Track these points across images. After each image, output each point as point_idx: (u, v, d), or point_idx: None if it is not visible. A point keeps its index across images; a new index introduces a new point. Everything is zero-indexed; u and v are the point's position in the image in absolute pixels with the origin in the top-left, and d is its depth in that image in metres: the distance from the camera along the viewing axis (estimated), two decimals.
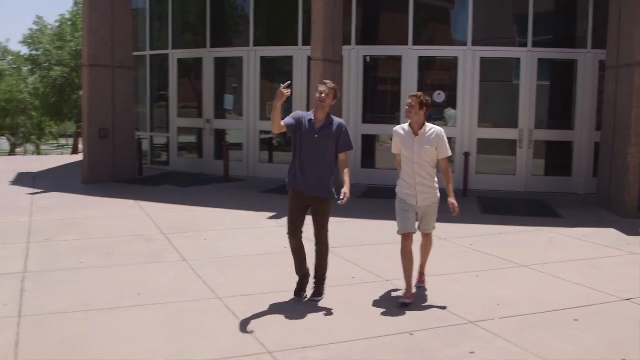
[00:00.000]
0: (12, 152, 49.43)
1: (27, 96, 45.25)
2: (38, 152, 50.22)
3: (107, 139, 14.81)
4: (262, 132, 15.78)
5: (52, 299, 6.51)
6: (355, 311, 6.21)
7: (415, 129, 6.49)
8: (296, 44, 14.97)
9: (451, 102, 14.14)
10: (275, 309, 6.23)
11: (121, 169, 15.11)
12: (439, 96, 14.12)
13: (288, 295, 6.58)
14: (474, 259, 8.36)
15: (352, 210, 9.77)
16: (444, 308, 6.30)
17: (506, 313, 6.16)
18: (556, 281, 7.34)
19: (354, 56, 14.45)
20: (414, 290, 6.64)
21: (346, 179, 6.46)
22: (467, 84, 13.89)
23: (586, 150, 13.71)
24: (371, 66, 14.79)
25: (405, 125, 6.60)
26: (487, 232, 9.99)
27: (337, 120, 6.51)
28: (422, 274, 7.04)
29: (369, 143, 14.81)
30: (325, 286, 6.65)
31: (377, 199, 12.72)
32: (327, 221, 6.52)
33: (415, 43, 14.10)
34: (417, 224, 6.69)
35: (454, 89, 14.07)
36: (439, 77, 14.95)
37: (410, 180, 6.53)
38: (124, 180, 14.88)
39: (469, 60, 13.84)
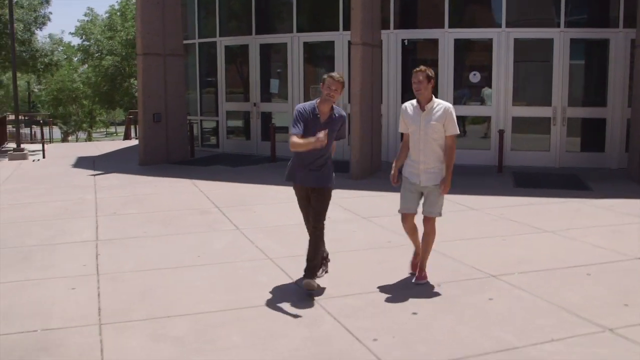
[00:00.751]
0: (64, 140, 51.09)
1: (80, 85, 46.81)
2: (90, 139, 51.80)
3: (160, 123, 15.78)
4: None
5: (123, 260, 7.42)
6: (390, 268, 6.97)
7: (423, 104, 6.24)
8: (337, 29, 15.66)
9: (486, 82, 14.71)
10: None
11: (174, 151, 16.08)
12: (475, 76, 14.74)
13: (331, 255, 7.37)
14: (503, 225, 9.04)
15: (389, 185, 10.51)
16: (469, 265, 7.02)
17: (526, 269, 6.86)
18: (577, 243, 7.99)
19: (393, 40, 15.12)
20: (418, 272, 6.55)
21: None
22: (502, 64, 14.44)
23: (618, 126, 14.18)
24: (409, 49, 15.44)
25: (414, 101, 6.34)
26: (518, 203, 10.62)
27: (339, 111, 6.36)
28: (422, 269, 6.52)
29: None
30: (317, 277, 6.35)
31: None
32: (325, 209, 6.37)
33: (451, 26, 14.69)
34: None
35: (489, 69, 14.63)
36: (474, 58, 15.52)
37: (415, 157, 6.28)
38: (176, 162, 15.84)
39: (503, 41, 14.38)
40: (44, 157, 18.83)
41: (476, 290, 6.19)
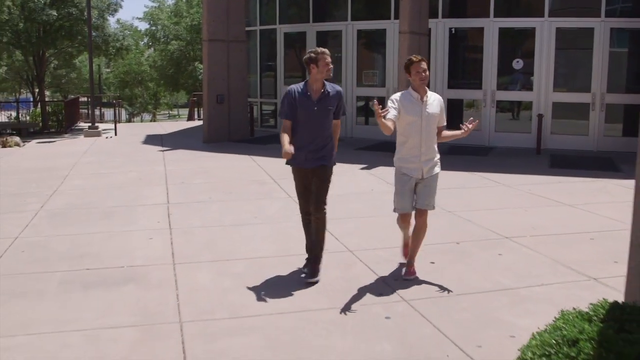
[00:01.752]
0: (129, 121, 53.22)
1: (147, 68, 48.78)
2: (154, 120, 53.82)
3: (223, 104, 17.10)
4: (358, 97, 17.69)
5: (191, 219, 8.71)
6: None
7: (422, 94, 6.07)
8: (389, 18, 16.68)
9: (529, 69, 15.55)
10: (357, 226, 8.23)
11: (235, 130, 17.39)
12: (517, 64, 15.59)
13: (369, 219, 8.52)
14: (527, 199, 10.00)
15: None
16: (487, 229, 8.06)
17: (537, 233, 7.86)
18: (590, 215, 8.93)
19: (441, 28, 16.07)
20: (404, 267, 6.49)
21: (336, 142, 6.48)
22: (544, 52, 15.25)
23: None
24: (455, 37, 16.37)
25: (407, 93, 6.11)
26: (548, 181, 11.53)
27: (333, 86, 6.25)
28: (411, 264, 6.36)
29: (453, 105, 16.40)
30: (321, 266, 6.37)
31: (458, 155, 14.40)
32: (326, 190, 6.35)
33: (496, 15, 15.56)
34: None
35: (532, 56, 15.46)
36: (517, 45, 16.34)
37: (416, 150, 6.08)
38: (237, 140, 17.15)
39: (545, 30, 15.18)
40: (115, 134, 20.44)
41: (488, 248, 7.25)
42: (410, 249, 6.39)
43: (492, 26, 15.58)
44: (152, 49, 49.80)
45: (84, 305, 5.65)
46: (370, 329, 5.05)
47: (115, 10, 27.42)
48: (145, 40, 50.31)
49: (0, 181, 11.85)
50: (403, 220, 6.41)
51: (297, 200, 6.59)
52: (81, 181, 11.69)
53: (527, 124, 15.68)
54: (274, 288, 5.96)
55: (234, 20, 17.27)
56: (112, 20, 26.22)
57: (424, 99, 6.05)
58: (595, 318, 3.59)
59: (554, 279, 6.19)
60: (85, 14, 22.47)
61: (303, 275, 6.35)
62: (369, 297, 5.69)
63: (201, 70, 29.33)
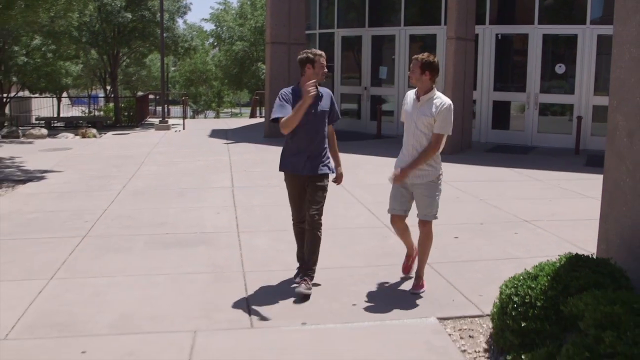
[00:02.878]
0: (193, 118, 55.23)
1: (212, 68, 50.75)
2: (218, 117, 55.68)
3: None
4: None
5: (253, 199, 10.04)
6: (451, 214, 9.21)
7: (419, 95, 5.77)
8: (439, 24, 17.76)
9: (571, 73, 16.44)
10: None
11: None
12: (560, 68, 16.51)
13: None
14: (555, 192, 11.01)
15: (477, 159, 12.85)
16: (510, 214, 9.15)
17: (555, 218, 8.92)
18: None
19: (487, 34, 17.09)
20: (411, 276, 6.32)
21: (338, 156, 6.27)
22: (585, 58, 16.12)
23: None
24: (501, 42, 17.34)
25: (415, 90, 5.89)
26: (579, 177, 12.49)
27: (325, 90, 6.03)
28: (419, 277, 6.04)
29: (498, 107, 17.42)
30: (314, 276, 6.08)
31: (501, 153, 15.44)
32: (323, 199, 6.04)
33: (540, 22, 16.49)
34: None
35: (574, 62, 16.35)
36: (560, 51, 17.23)
37: (406, 151, 5.89)
38: None
39: (587, 37, 16.05)
40: (183, 128, 22.04)
41: (508, 228, 8.35)
42: (417, 262, 6.10)
43: (536, 33, 16.52)
44: (217, 49, 51.73)
45: (165, 259, 7.01)
46: (393, 281, 6.26)
47: (185, 13, 29.24)
48: (211, 40, 52.25)
49: (86, 166, 13.46)
50: (393, 222, 6.13)
51: (291, 210, 6.28)
52: (156, 167, 13.20)
53: (567, 126, 16.56)
54: (320, 251, 7.21)
55: (295, 24, 18.61)
56: (180, 22, 27.86)
57: (421, 100, 5.76)
58: (558, 264, 4.75)
59: (557, 252, 7.20)
60: (158, 16, 24.18)
61: (294, 285, 6.02)
62: (398, 260, 6.86)
63: (264, 70, 30.86)
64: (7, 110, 27.32)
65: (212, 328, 5.17)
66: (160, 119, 23.89)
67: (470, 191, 10.86)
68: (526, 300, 4.41)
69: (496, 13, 17.34)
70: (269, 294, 5.92)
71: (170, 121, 25.35)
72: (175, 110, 40.67)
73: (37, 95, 31.58)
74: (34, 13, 12.84)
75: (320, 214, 6.01)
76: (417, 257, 6.16)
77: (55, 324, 5.26)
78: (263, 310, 5.51)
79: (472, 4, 15.77)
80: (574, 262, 4.69)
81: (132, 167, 13.22)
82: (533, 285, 4.48)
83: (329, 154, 6.09)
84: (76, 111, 42.17)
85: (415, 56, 5.79)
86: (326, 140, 6.07)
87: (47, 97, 32.20)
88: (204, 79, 54.04)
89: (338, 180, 6.28)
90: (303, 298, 5.77)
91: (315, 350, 4.81)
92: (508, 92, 17.30)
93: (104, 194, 10.53)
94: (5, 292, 5.95)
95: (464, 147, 15.75)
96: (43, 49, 25.60)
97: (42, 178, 12.21)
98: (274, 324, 5.28)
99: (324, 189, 6.03)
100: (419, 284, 5.99)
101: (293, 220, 6.27)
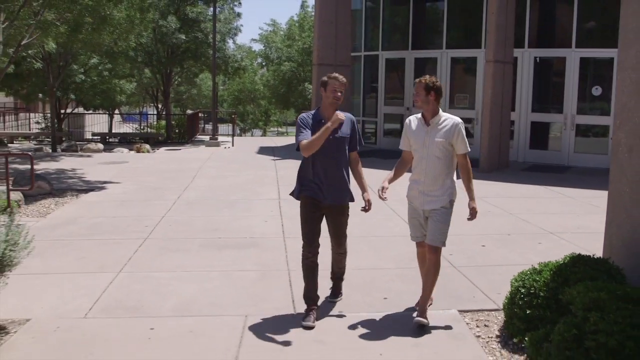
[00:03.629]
0: (240, 136, 56.54)
1: (260, 87, 52.12)
2: (264, 135, 56.90)
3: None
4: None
5: (297, 209, 10.81)
6: (481, 225, 9.87)
7: (427, 119, 5.65)
8: (479, 47, 18.44)
9: (607, 95, 16.94)
10: None
11: None
12: (596, 90, 17.03)
13: None
14: (584, 208, 11.58)
15: (513, 177, 13.49)
16: (537, 226, 9.78)
17: (579, 231, 9.53)
18: None
19: (526, 57, 17.71)
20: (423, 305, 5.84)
21: (364, 182, 5.97)
22: None
23: None
24: (540, 65, 17.93)
25: (419, 115, 5.78)
26: None
27: (346, 115, 5.80)
28: (423, 309, 5.71)
29: (536, 127, 17.99)
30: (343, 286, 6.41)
31: (537, 172, 16.02)
32: (345, 229, 6.03)
33: (577, 46, 17.06)
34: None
35: (610, 84, 16.83)
36: (597, 74, 17.72)
37: (417, 177, 5.75)
38: None
39: None
40: (232, 145, 23.04)
41: (532, 239, 8.99)
42: (423, 289, 5.83)
43: (573, 56, 17.08)
44: (265, 68, 53.07)
45: (219, 258, 7.85)
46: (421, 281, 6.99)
47: (235, 34, 30.41)
48: (259, 60, 53.63)
49: (143, 178, 14.47)
50: (419, 246, 6.02)
51: (303, 238, 5.89)
52: (207, 180, 14.13)
53: (603, 146, 17.03)
54: (355, 254, 7.97)
55: (341, 47, 19.49)
56: (230, 42, 28.94)
57: (430, 123, 5.65)
58: (562, 262, 5.43)
59: None
60: (210, 38, 25.33)
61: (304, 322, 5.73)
62: None
63: (310, 90, 31.86)
64: (63, 126, 28.71)
65: (261, 314, 5.96)
66: (211, 135, 24.97)
67: (502, 206, 11.49)
68: (531, 291, 5.11)
69: (535, 37, 17.95)
70: None
71: (219, 138, 26.41)
72: (223, 128, 41.90)
73: (90, 111, 33.02)
74: (99, 36, 13.93)
75: (344, 244, 6.10)
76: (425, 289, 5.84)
77: (126, 307, 6.13)
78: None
79: (511, 29, 16.43)
80: (576, 260, 5.37)
81: (185, 179, 14.18)
82: (537, 279, 5.17)
83: (349, 182, 5.86)
84: (127, 127, 43.82)
85: (418, 79, 5.69)
86: (347, 168, 5.84)
87: (100, 113, 33.67)
88: (252, 97, 55.40)
89: (367, 207, 5.82)
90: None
91: (348, 332, 5.57)
92: (546, 113, 17.85)
93: (161, 203, 11.46)
94: (82, 282, 6.86)
95: (502, 165, 16.36)
96: (100, 67, 26.89)
97: (102, 188, 13.22)
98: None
99: (345, 218, 5.97)
100: (423, 314, 5.65)
101: (303, 252, 5.84)
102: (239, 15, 30.89)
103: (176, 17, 26.31)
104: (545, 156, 17.61)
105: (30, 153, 14.91)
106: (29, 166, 11.81)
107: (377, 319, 5.92)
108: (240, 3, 31.00)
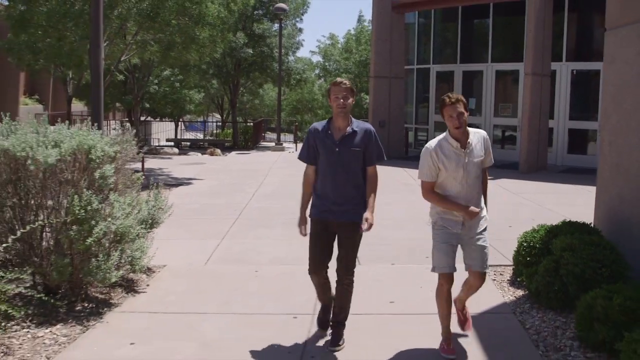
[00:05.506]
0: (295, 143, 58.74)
1: (320, 97, 54.49)
2: None
3: (384, 128, 21.36)
4: (495, 126, 21.36)
5: None
6: (511, 214, 11.77)
7: (464, 141, 5.10)
8: (521, 61, 20.23)
9: None
10: None
11: (393, 149, 21.57)
12: None
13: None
14: None
15: (548, 177, 15.41)
16: (560, 214, 11.64)
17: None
18: None
19: (564, 70, 19.48)
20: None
21: (370, 200, 5.31)
22: None
23: None
24: (576, 77, 19.68)
25: (443, 140, 5.15)
26: None
27: (362, 125, 5.35)
28: (448, 339, 5.33)
29: (573, 134, 19.71)
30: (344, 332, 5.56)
31: (572, 174, 17.77)
32: (357, 250, 5.45)
33: None
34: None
35: None
36: None
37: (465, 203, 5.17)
38: (394, 157, 21.26)
39: None
40: (295, 150, 25.28)
41: (551, 222, 10.85)
42: (458, 302, 5.61)
43: None
44: (323, 79, 55.36)
45: (298, 232, 9.94)
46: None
47: (298, 49, 32.66)
48: (317, 71, 55.98)
49: (221, 176, 16.79)
50: (444, 282, 5.24)
51: (309, 260, 5.61)
52: (279, 178, 16.35)
53: None
54: (402, 224, 9.98)
55: (396, 61, 21.57)
56: (291, 56, 31.24)
57: (467, 145, 5.11)
58: (555, 225, 7.38)
59: None
60: (275, 52, 27.67)
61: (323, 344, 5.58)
62: None
63: (367, 100, 33.91)
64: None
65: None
66: (276, 141, 27.31)
67: (532, 199, 13.36)
68: (531, 244, 7.09)
69: (572, 51, 19.70)
70: (374, 253, 8.75)
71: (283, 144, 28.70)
72: (282, 136, 44.21)
73: (157, 119, 35.66)
74: (187, 53, 16.25)
75: (353, 268, 5.50)
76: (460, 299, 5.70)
77: (234, 259, 8.35)
78: (368, 257, 8.37)
79: (548, 44, 18.24)
80: (566, 224, 7.30)
81: (259, 177, 16.42)
82: (535, 235, 7.15)
83: (360, 199, 5.34)
84: (189, 135, 46.50)
85: (454, 98, 5.02)
86: (359, 183, 5.37)
87: (166, 121, 36.29)
88: (310, 107, 57.75)
89: (366, 226, 5.19)
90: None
91: (398, 277, 7.61)
92: (582, 121, 19.57)
93: (242, 194, 13.69)
94: (195, 246, 9.12)
95: (540, 168, 18.16)
96: (172, 78, 29.37)
97: (189, 183, 15.54)
98: (375, 264, 8.12)
99: (357, 238, 5.41)
100: (449, 347, 5.29)
101: (310, 271, 5.60)
102: (300, 30, 33.25)
103: (244, 33, 28.68)
104: (581, 160, 19.32)
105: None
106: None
107: (422, 269, 7.91)
108: (302, 19, 33.37)
